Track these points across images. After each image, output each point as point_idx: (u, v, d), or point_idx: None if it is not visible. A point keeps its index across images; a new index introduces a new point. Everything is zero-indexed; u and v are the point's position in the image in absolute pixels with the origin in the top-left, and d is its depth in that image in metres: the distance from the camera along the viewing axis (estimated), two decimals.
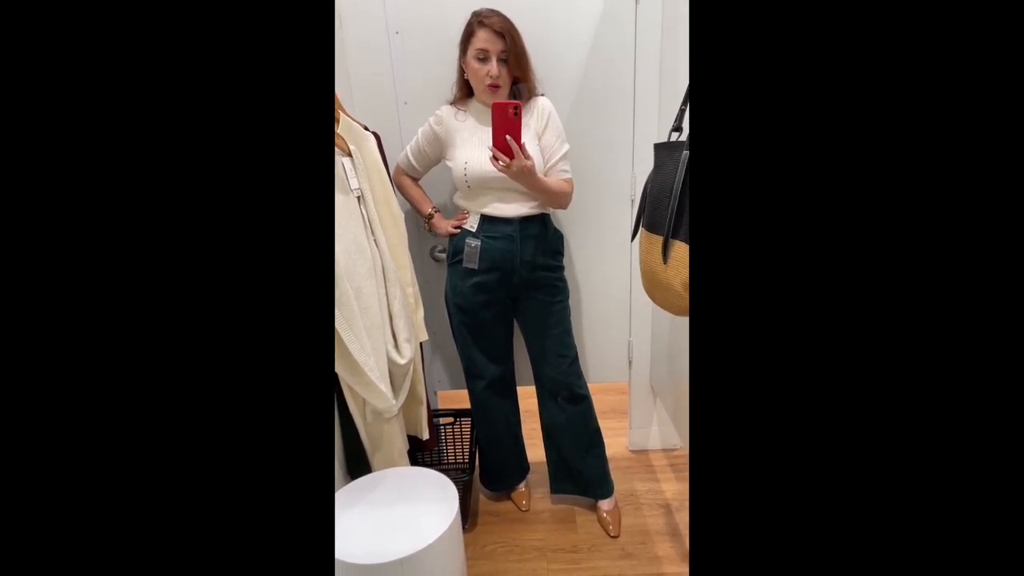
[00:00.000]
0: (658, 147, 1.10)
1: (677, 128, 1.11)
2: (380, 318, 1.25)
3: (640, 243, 1.17)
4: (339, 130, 1.22)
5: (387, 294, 1.31)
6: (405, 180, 1.55)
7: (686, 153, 1.01)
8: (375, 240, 1.28)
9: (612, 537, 1.55)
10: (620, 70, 1.54)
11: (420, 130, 1.47)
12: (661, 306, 1.16)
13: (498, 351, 1.55)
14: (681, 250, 1.03)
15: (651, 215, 1.11)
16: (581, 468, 1.59)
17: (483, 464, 1.69)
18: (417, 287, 1.47)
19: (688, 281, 1.02)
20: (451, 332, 1.58)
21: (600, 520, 1.60)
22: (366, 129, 1.31)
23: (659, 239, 1.07)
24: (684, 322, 1.44)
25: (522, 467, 1.72)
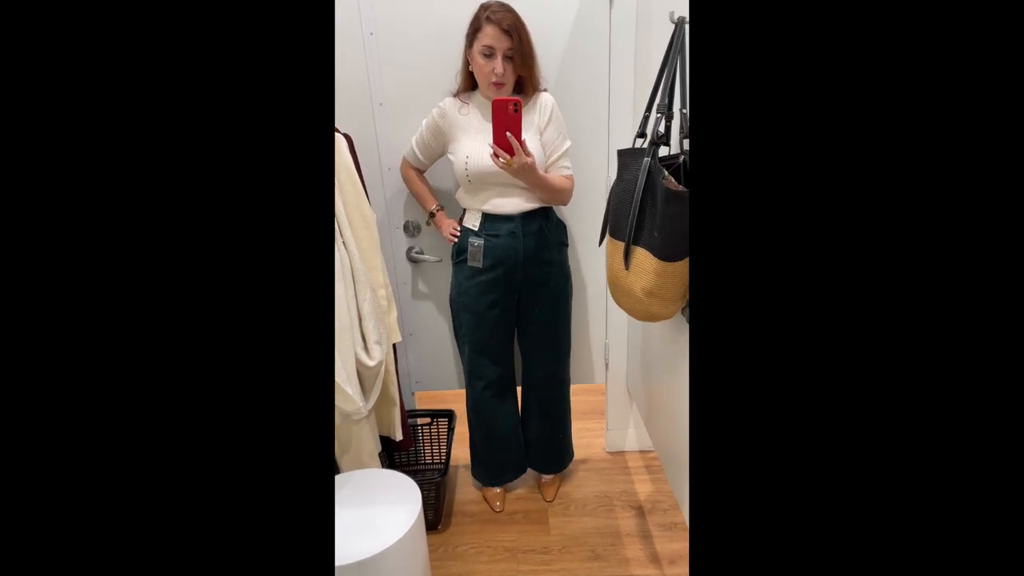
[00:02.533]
0: (621, 153, 1.10)
1: (641, 134, 1.11)
2: (348, 320, 1.26)
3: (606, 248, 1.17)
4: None
5: (356, 296, 1.31)
6: (411, 173, 1.55)
7: (647, 160, 1.01)
8: (343, 242, 1.28)
9: (547, 502, 1.69)
10: (595, 74, 1.54)
11: (424, 121, 1.47)
12: (625, 311, 1.16)
13: (500, 352, 1.56)
14: (641, 256, 1.03)
15: (614, 221, 1.11)
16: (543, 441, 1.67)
17: (476, 459, 1.70)
18: (390, 289, 1.48)
19: (648, 287, 1.03)
20: (453, 330, 1.59)
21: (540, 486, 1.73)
22: (336, 131, 1.31)
23: (622, 245, 1.08)
24: (652, 326, 1.44)
25: (518, 467, 1.71)
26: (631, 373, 1.82)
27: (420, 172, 1.55)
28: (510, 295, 1.49)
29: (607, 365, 1.83)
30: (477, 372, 1.57)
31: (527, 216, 1.42)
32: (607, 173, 1.63)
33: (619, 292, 1.14)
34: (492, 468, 1.69)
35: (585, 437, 1.99)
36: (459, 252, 1.49)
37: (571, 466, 1.79)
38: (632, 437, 1.92)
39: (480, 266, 1.44)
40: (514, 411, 1.66)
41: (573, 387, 1.70)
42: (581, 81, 1.56)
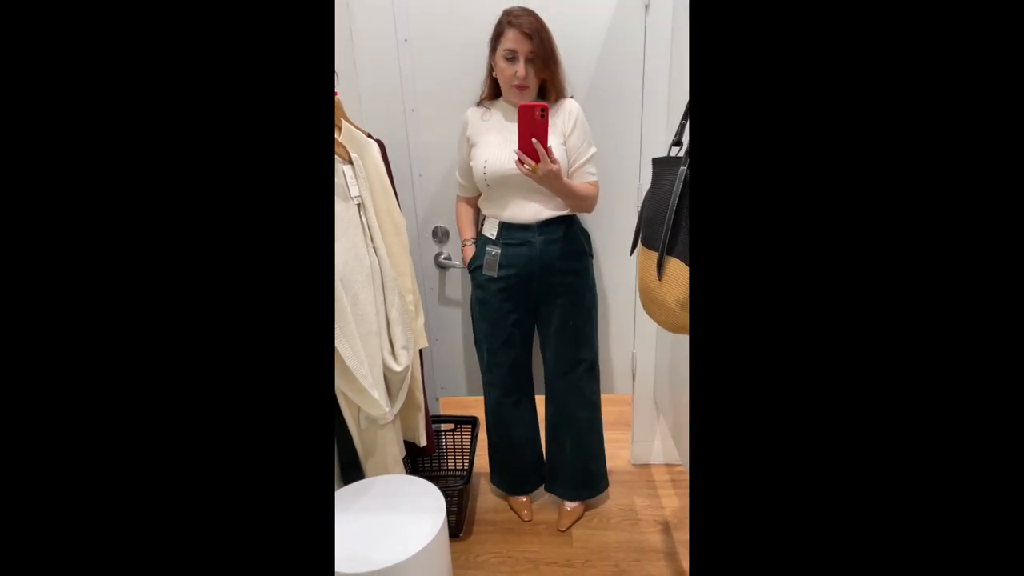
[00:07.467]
0: (656, 162, 1.08)
1: (677, 143, 1.09)
2: (376, 325, 1.26)
3: (638, 258, 1.15)
4: (340, 138, 1.23)
5: (385, 301, 1.32)
6: (459, 206, 1.54)
7: (683, 169, 0.99)
8: (374, 248, 1.28)
9: (559, 530, 1.61)
10: (628, 80, 1.53)
11: (457, 145, 1.48)
12: (657, 322, 1.14)
13: (516, 361, 1.54)
14: (676, 267, 1.01)
15: (647, 230, 1.09)
16: (577, 466, 1.61)
17: (494, 464, 1.68)
18: (418, 294, 1.48)
19: (681, 298, 1.00)
20: (473, 337, 1.59)
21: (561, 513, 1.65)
22: (369, 137, 1.31)
23: (655, 255, 1.06)
24: (684, 338, 1.41)
25: (538, 476, 1.70)
26: (659, 385, 1.78)
27: (469, 202, 1.53)
28: (527, 304, 1.48)
29: (634, 376, 1.80)
30: (493, 380, 1.56)
31: (545, 224, 1.40)
32: (638, 182, 1.61)
33: (651, 303, 1.11)
34: (512, 477, 1.67)
35: (609, 448, 1.95)
36: (475, 260, 1.48)
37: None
38: (658, 450, 1.88)
39: (495, 275, 1.43)
40: (532, 420, 1.64)
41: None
42: (613, 87, 1.54)
